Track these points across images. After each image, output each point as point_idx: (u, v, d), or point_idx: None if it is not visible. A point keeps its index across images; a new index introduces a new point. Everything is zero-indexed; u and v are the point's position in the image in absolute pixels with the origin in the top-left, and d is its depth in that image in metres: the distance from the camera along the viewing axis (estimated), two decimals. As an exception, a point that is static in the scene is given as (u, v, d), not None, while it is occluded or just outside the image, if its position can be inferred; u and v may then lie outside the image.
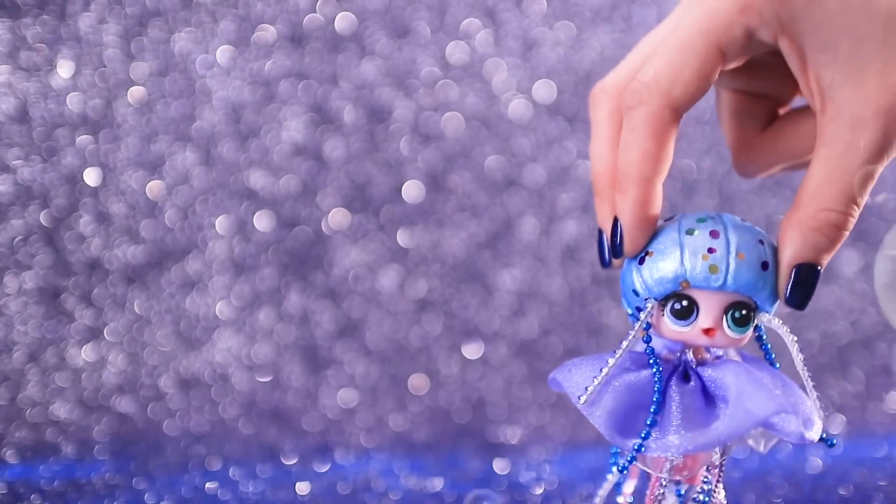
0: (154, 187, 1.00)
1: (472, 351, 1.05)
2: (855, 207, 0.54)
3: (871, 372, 1.11)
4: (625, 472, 0.56)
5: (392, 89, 1.02)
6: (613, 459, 0.59)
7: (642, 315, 0.55)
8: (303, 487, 0.89)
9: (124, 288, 1.00)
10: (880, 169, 0.54)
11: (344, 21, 1.02)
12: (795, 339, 0.57)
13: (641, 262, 0.55)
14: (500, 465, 0.94)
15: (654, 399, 0.55)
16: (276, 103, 1.01)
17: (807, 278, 0.54)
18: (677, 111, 0.53)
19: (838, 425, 1.08)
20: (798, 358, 0.57)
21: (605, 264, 0.57)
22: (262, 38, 1.00)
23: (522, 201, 1.05)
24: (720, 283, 0.54)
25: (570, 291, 1.05)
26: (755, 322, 0.56)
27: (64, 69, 0.97)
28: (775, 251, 0.55)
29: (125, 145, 0.99)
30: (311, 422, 1.01)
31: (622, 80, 0.58)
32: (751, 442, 0.61)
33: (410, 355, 1.04)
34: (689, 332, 0.55)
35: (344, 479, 0.92)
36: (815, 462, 0.98)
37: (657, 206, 0.55)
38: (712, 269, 0.54)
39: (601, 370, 0.55)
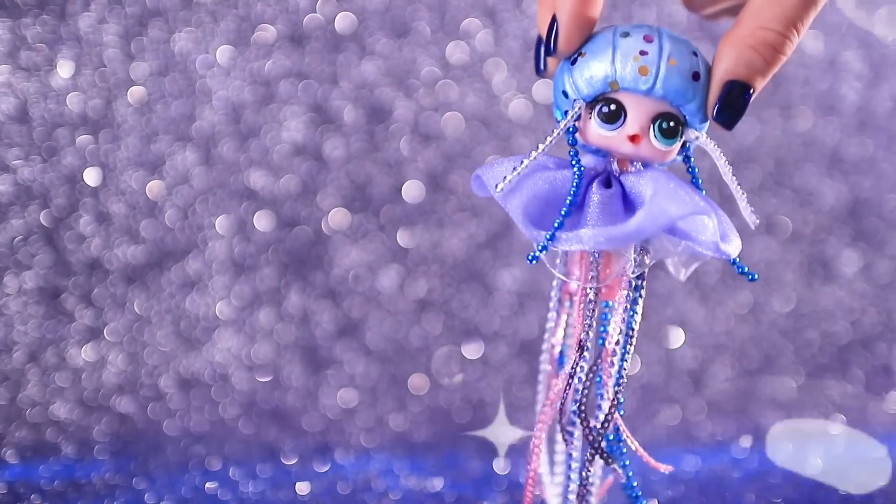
0: (154, 187, 1.00)
1: (472, 351, 1.05)
2: (794, 31, 0.53)
3: (871, 372, 1.11)
4: (534, 262, 0.55)
5: (392, 89, 1.02)
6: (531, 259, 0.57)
7: (570, 113, 0.55)
8: (303, 487, 0.89)
9: (124, 288, 0.99)
10: None
11: (344, 21, 1.02)
12: (724, 156, 0.56)
13: (574, 62, 0.55)
14: (500, 465, 0.94)
15: (572, 192, 0.55)
16: (276, 103, 1.01)
17: (737, 97, 0.54)
18: None
19: (838, 425, 1.08)
20: (726, 169, 0.56)
21: (539, 70, 0.58)
22: (262, 37, 1.00)
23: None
24: (649, 85, 0.54)
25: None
26: (683, 137, 0.56)
27: (64, 69, 0.97)
28: (709, 67, 0.55)
29: (125, 145, 0.99)
30: (311, 422, 1.01)
31: None
32: (670, 268, 0.61)
33: (410, 355, 1.04)
34: (615, 137, 0.55)
35: (344, 479, 0.91)
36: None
37: (596, 6, 0.55)
38: (642, 70, 0.54)
39: (522, 161, 0.55)
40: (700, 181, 0.59)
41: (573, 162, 0.56)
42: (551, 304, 0.61)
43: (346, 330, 1.03)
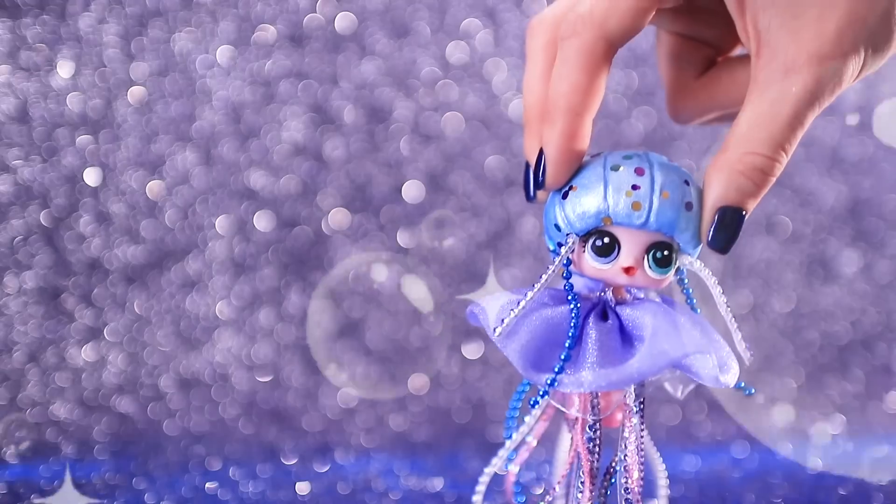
0: (154, 187, 1.00)
1: (471, 351, 1.05)
2: (783, 153, 0.53)
3: (871, 372, 1.11)
4: (536, 407, 0.55)
5: (392, 89, 1.02)
6: (517, 397, 0.58)
7: (563, 250, 0.55)
8: (303, 487, 0.89)
9: (124, 288, 0.99)
10: (811, 117, 0.53)
11: (344, 21, 1.02)
12: (717, 281, 0.56)
13: (565, 196, 0.55)
14: (498, 466, 0.94)
15: (570, 334, 0.54)
16: (276, 103, 1.01)
17: (731, 221, 0.53)
18: (611, 44, 0.53)
19: (838, 425, 1.08)
20: (721, 300, 0.56)
21: (529, 198, 0.57)
22: (263, 37, 1.00)
23: (522, 201, 1.05)
24: (643, 220, 0.53)
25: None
26: (677, 264, 0.55)
27: (64, 69, 0.97)
28: (701, 193, 0.54)
29: (125, 145, 0.99)
30: (311, 422, 1.01)
31: (560, 12, 0.57)
32: (667, 387, 0.61)
33: (410, 355, 1.04)
34: (610, 269, 0.55)
35: (344, 479, 0.92)
36: (815, 462, 0.98)
37: (584, 140, 0.54)
38: (635, 205, 0.53)
39: (518, 302, 0.54)
40: (695, 301, 0.59)
41: (569, 297, 0.55)
42: (527, 419, 0.59)
43: (346, 330, 1.03)
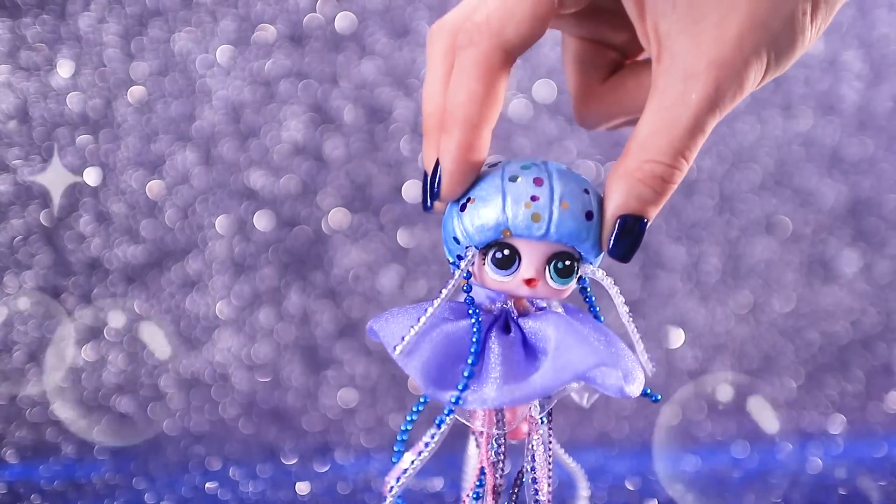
0: (154, 187, 1.00)
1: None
2: (682, 161, 0.52)
3: (871, 372, 1.11)
4: (442, 426, 0.54)
5: (392, 89, 1.02)
6: (411, 416, 0.55)
7: (462, 263, 0.53)
8: (303, 487, 0.89)
9: (124, 288, 0.99)
10: (712, 123, 0.52)
11: (344, 21, 1.02)
12: (619, 290, 0.55)
13: (463, 208, 0.53)
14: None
15: (472, 350, 0.52)
16: (276, 103, 1.01)
17: (631, 230, 0.53)
18: (509, 53, 0.52)
19: (838, 425, 1.07)
20: (623, 310, 0.55)
21: (426, 207, 0.55)
22: (262, 37, 1.00)
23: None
24: (542, 231, 0.52)
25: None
26: (579, 273, 0.54)
27: (64, 69, 0.97)
28: (601, 201, 0.53)
29: (125, 145, 0.99)
30: (311, 422, 1.01)
31: (459, 18, 0.56)
32: (574, 396, 0.60)
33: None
34: (511, 281, 0.54)
35: (344, 479, 0.91)
36: (815, 462, 0.98)
37: (481, 152, 0.53)
38: (535, 217, 0.52)
39: (418, 319, 0.53)
40: (598, 309, 0.57)
41: (470, 311, 0.54)
42: (431, 437, 0.56)
43: (345, 330, 1.03)
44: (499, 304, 0.56)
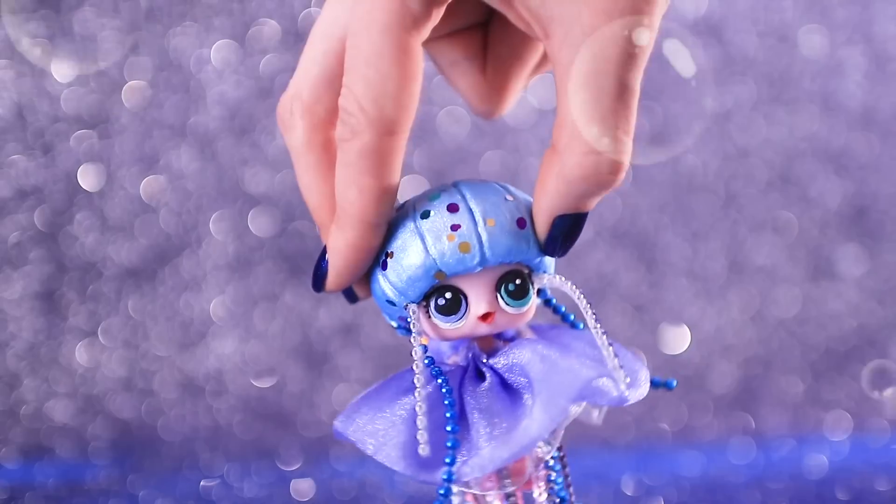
0: (150, 185, 1.00)
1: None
2: (624, 137, 0.45)
3: (872, 372, 1.10)
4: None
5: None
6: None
7: (412, 327, 0.47)
8: (300, 489, 0.89)
9: (120, 288, 0.99)
10: (636, 77, 0.45)
11: (343, 17, 1.01)
12: (582, 293, 0.48)
13: (384, 266, 0.48)
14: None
15: (448, 415, 0.46)
16: (274, 100, 1.00)
17: (570, 227, 0.47)
18: (397, 134, 0.45)
19: (844, 426, 1.07)
20: (589, 315, 0.48)
21: (317, 290, 0.50)
22: (260, 34, 1.00)
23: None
24: (477, 260, 0.46)
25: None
26: (535, 287, 0.49)
27: (61, 67, 0.97)
28: (527, 203, 0.48)
29: (122, 143, 0.99)
30: (310, 423, 1.01)
31: (309, 86, 0.50)
32: (582, 417, 0.53)
33: (410, 356, 1.03)
34: (466, 324, 0.48)
35: (341, 482, 0.91)
36: (816, 462, 0.97)
37: (375, 249, 0.47)
38: (463, 247, 0.46)
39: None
40: (572, 317, 0.52)
41: (433, 373, 0.47)
42: None
43: (344, 330, 1.02)
44: (464, 352, 0.50)
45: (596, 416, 0.53)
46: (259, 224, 1.01)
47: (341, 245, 0.47)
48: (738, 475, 0.95)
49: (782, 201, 1.09)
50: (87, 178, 0.98)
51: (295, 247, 1.02)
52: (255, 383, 1.01)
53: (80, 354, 0.98)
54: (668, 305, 1.07)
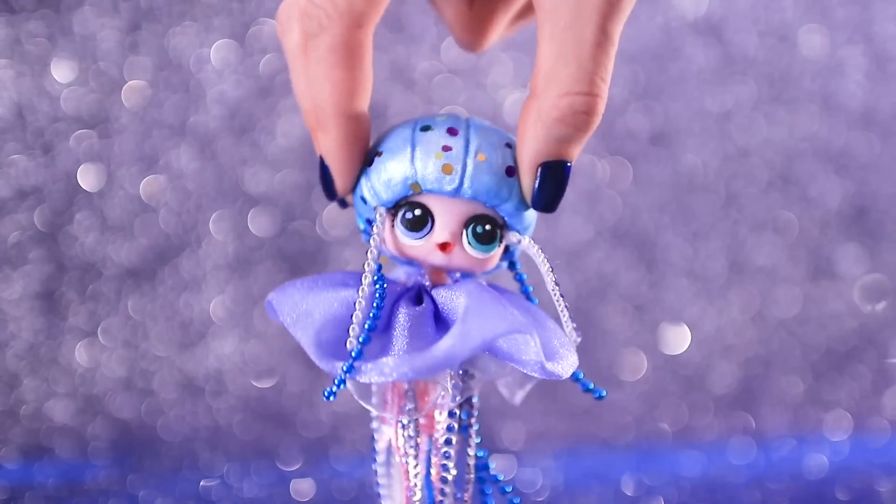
0: (151, 185, 0.99)
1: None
2: (601, 82, 0.45)
3: (872, 372, 1.10)
4: (331, 398, 0.47)
5: (390, 85, 1.02)
6: (325, 396, 0.48)
7: (374, 229, 0.48)
8: (301, 490, 0.89)
9: (120, 288, 0.99)
10: (617, 27, 0.46)
11: (343, 17, 1.01)
12: (548, 263, 0.49)
13: (370, 163, 0.49)
14: (500, 466, 0.93)
15: (371, 314, 0.46)
16: (274, 100, 1.00)
17: (555, 176, 0.47)
18: (365, 27, 0.47)
19: (845, 426, 1.07)
20: (551, 284, 0.49)
21: (331, 198, 0.51)
22: (260, 34, 1.00)
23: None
24: (455, 185, 0.47)
25: (571, 292, 1.05)
26: (504, 242, 0.49)
27: (61, 66, 0.97)
28: None
29: (122, 143, 0.99)
30: (309, 423, 1.01)
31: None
32: (502, 390, 0.54)
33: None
34: (423, 246, 0.48)
35: (342, 481, 0.91)
36: (816, 462, 0.97)
37: (364, 139, 0.49)
38: (445, 168, 0.47)
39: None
40: (530, 289, 0.52)
41: (374, 277, 0.48)
42: (378, 460, 0.52)
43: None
44: (412, 279, 0.50)
45: (517, 397, 0.54)
46: (259, 224, 1.01)
47: (331, 146, 0.49)
48: (738, 475, 0.95)
49: (782, 201, 1.09)
50: (87, 177, 0.98)
51: (295, 247, 1.02)
52: (254, 383, 1.01)
53: (80, 354, 0.98)
54: (668, 305, 1.07)
